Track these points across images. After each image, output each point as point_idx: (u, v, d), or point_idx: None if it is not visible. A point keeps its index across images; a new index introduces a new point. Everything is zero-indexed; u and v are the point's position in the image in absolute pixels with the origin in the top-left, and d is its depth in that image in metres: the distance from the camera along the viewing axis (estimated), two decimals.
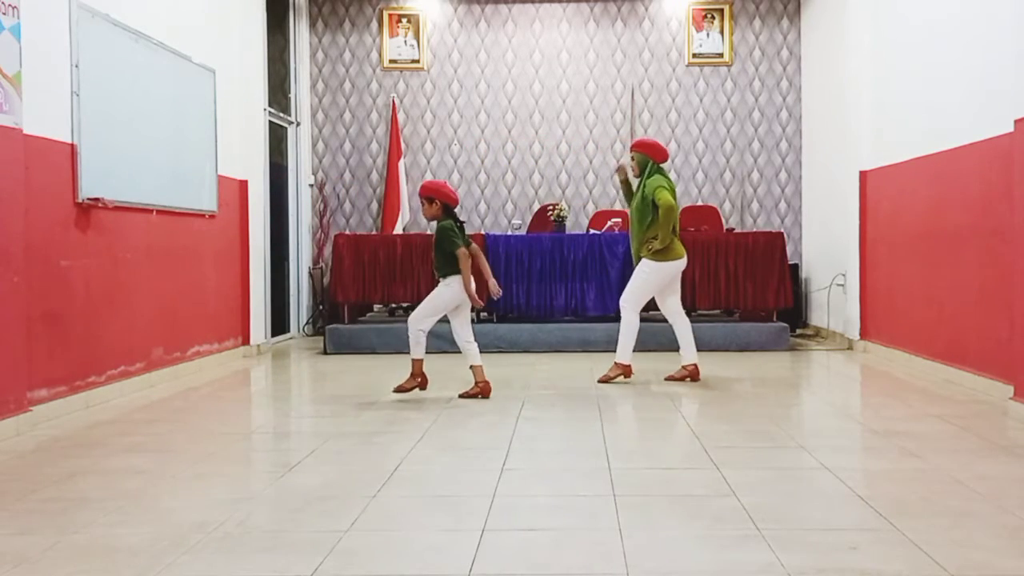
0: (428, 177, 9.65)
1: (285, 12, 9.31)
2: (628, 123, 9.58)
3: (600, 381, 5.95)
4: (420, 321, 5.39)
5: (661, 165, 5.90)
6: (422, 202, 5.38)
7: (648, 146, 5.94)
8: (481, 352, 5.46)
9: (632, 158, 5.99)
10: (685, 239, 7.74)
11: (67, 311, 5.11)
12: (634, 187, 6.02)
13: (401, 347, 7.73)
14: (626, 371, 5.98)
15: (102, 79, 5.47)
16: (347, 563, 2.65)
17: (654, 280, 5.86)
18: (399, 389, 5.47)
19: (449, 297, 5.34)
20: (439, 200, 5.30)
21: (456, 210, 5.41)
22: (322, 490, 3.44)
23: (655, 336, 7.47)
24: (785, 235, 8.15)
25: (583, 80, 9.64)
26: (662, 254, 5.80)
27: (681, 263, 5.90)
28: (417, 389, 5.50)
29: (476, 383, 5.41)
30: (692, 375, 6.00)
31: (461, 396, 5.42)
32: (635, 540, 2.81)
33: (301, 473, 3.73)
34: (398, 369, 6.75)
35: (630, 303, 5.95)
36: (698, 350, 7.62)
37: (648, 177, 5.84)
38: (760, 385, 5.98)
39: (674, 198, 5.79)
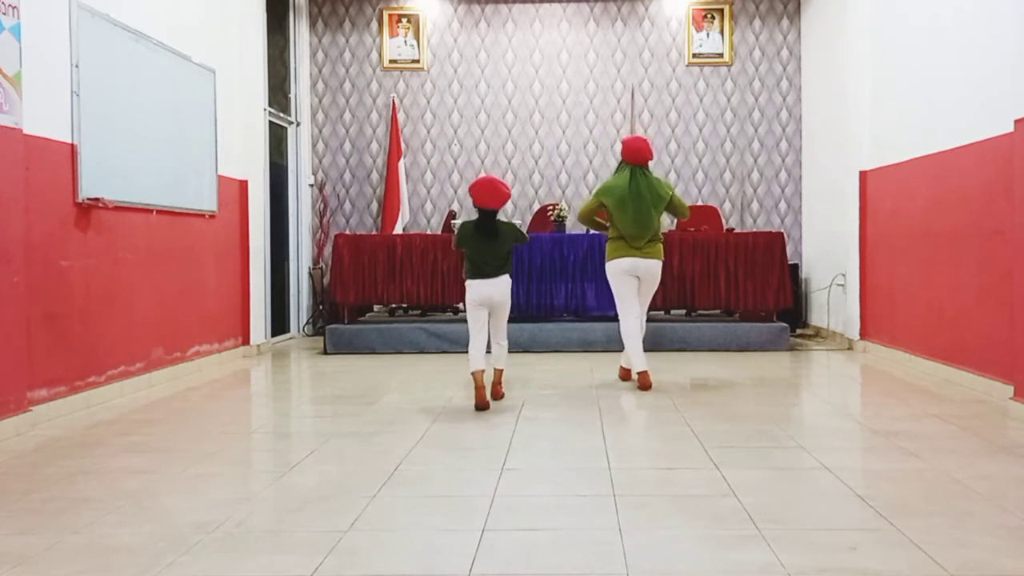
0: (428, 177, 9.66)
1: (285, 12, 9.31)
2: (628, 123, 9.57)
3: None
4: None
5: (625, 162, 5.82)
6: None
7: (622, 144, 5.91)
8: None
9: None
10: (685, 239, 7.80)
11: (67, 311, 5.11)
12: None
13: (401, 347, 7.77)
14: (624, 375, 6.01)
15: (102, 79, 5.47)
16: (347, 563, 2.65)
17: (610, 279, 5.86)
18: None
19: None
20: None
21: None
22: (322, 490, 3.44)
23: (659, 335, 7.49)
24: (785, 235, 8.15)
25: (583, 80, 9.64)
26: (606, 254, 5.85)
27: (611, 264, 5.77)
28: None
29: None
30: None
31: None
32: (635, 540, 2.81)
33: (301, 473, 3.73)
34: (398, 369, 6.77)
35: (617, 307, 5.89)
36: (699, 350, 7.72)
37: None
38: (760, 385, 5.97)
39: (604, 196, 5.72)
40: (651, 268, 5.78)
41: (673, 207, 5.82)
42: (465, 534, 2.89)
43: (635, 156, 5.77)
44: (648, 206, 5.69)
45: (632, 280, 5.79)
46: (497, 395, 5.30)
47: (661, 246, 5.84)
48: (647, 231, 5.70)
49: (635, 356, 5.74)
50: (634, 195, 5.69)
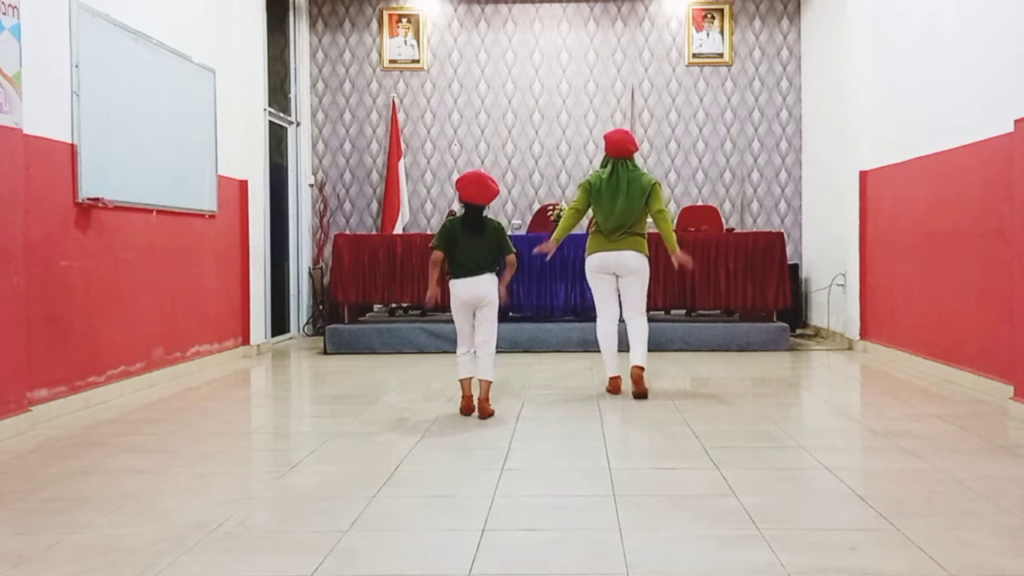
0: (428, 177, 9.66)
1: (285, 12, 9.31)
2: (628, 123, 9.57)
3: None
4: None
5: (608, 157, 5.62)
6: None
7: (604, 138, 5.73)
8: None
9: None
10: (686, 239, 7.80)
11: (67, 311, 5.11)
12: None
13: (401, 347, 7.76)
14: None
15: (102, 79, 5.47)
16: (347, 563, 2.65)
17: (587, 277, 5.71)
18: None
19: None
20: None
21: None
22: (322, 490, 3.44)
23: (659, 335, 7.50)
24: (785, 235, 8.15)
25: (583, 80, 9.64)
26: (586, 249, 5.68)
27: (587, 261, 5.63)
28: None
29: None
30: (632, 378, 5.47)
31: None
32: (635, 540, 2.81)
33: (301, 473, 3.73)
34: (398, 369, 6.77)
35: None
36: (699, 350, 7.72)
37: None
38: (760, 385, 5.97)
39: (583, 194, 5.58)
40: (622, 259, 5.51)
41: (650, 197, 5.49)
42: (465, 534, 2.89)
43: (617, 149, 5.59)
44: (625, 199, 5.48)
45: (606, 278, 5.61)
46: (485, 413, 4.82)
47: (640, 239, 5.56)
48: (622, 223, 5.50)
49: (607, 360, 5.57)
50: (612, 187, 5.51)
